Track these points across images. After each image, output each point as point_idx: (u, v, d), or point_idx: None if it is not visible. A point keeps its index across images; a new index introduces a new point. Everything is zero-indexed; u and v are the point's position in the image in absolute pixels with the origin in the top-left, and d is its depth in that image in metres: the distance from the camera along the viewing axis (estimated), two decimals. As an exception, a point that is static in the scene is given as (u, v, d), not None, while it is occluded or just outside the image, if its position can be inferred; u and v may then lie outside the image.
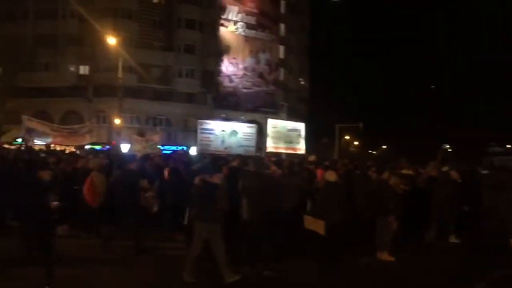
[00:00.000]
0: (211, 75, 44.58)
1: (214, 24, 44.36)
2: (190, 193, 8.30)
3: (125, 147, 32.05)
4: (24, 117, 15.18)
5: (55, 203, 7.15)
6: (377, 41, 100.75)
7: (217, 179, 7.72)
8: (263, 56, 46.86)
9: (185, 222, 9.89)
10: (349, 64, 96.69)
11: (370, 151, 65.55)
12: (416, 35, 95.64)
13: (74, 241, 9.65)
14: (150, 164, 11.61)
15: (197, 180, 7.91)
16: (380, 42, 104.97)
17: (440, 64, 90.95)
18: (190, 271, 7.35)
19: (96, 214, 10.00)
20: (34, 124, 14.83)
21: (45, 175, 7.07)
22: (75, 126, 16.55)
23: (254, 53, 46.31)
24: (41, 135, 14.67)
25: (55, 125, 16.54)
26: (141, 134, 23.01)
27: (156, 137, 15.75)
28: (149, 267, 8.27)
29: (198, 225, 7.54)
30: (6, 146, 19.98)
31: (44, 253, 6.67)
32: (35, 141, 15.90)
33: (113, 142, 33.16)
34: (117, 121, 35.68)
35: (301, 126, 41.59)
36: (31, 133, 14.55)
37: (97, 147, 26.92)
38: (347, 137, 57.94)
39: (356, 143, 63.50)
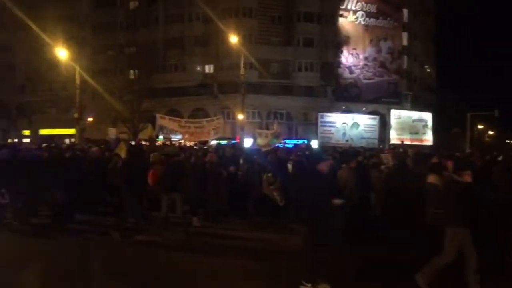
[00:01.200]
0: (331, 67, 44.05)
1: (333, 15, 43.73)
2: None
3: (248, 142, 33.21)
4: (157, 116, 16.38)
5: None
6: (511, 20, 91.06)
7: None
8: (384, 45, 45.06)
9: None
10: (480, 48, 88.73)
11: (508, 141, 59.61)
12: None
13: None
14: (273, 157, 11.77)
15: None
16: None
17: None
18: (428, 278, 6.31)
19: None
20: (165, 121, 15.91)
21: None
22: (203, 120, 17.39)
23: (375, 42, 44.75)
24: (171, 132, 15.70)
25: (183, 120, 17.48)
26: (267, 127, 23.50)
27: (277, 127, 15.94)
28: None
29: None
30: (143, 142, 21.82)
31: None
32: (172, 137, 16.99)
33: (237, 137, 34.37)
34: (240, 116, 37.00)
35: (427, 116, 39.41)
36: (163, 130, 15.66)
37: (223, 142, 28.07)
38: (480, 127, 53.37)
39: (491, 132, 58.25)
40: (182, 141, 17.68)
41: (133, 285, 6.66)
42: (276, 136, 15.13)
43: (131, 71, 43.51)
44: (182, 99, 41.92)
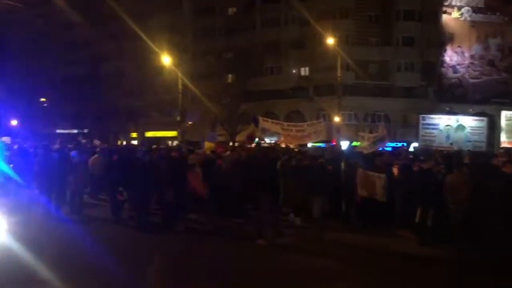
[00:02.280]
0: (432, 67, 41.92)
1: (435, 12, 41.58)
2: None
3: (344, 144, 32.68)
4: (260, 118, 16.65)
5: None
6: None
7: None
8: (493, 41, 41.94)
9: (416, 220, 9.52)
10: None
11: None
12: None
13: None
14: (379, 161, 11.47)
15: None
16: None
17: None
18: None
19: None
20: (268, 124, 16.15)
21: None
22: (304, 124, 17.43)
23: (482, 39, 41.81)
24: (273, 134, 15.90)
25: (285, 123, 17.66)
26: (370, 131, 22.91)
27: (381, 130, 15.47)
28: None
29: None
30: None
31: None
32: (265, 139, 17.29)
33: (333, 140, 33.96)
34: (337, 118, 36.57)
35: (544, 117, 36.00)
36: (265, 132, 15.91)
37: (319, 144, 27.88)
38: None
39: None
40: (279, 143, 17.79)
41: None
42: (380, 139, 14.70)
43: (229, 75, 44.87)
44: (278, 101, 42.32)
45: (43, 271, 6.13)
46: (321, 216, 9.79)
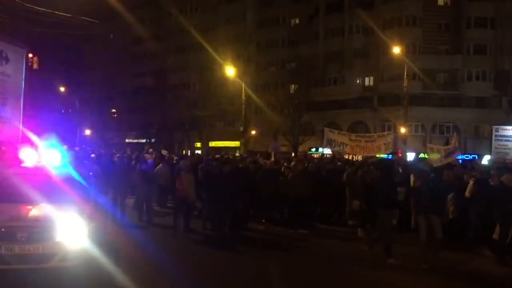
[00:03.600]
0: (507, 76, 39.78)
1: (510, 18, 39.52)
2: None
3: (410, 156, 31.58)
4: (326, 129, 16.56)
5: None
6: None
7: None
8: None
9: (496, 237, 9.02)
10: None
11: None
12: None
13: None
14: (449, 174, 10.95)
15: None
16: None
17: None
18: None
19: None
20: (334, 135, 16.00)
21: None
22: (374, 135, 17.13)
23: (561, 45, 39.22)
24: (339, 145, 15.68)
25: (353, 134, 17.39)
26: (446, 143, 22.08)
27: (454, 142, 14.83)
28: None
29: None
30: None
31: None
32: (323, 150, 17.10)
33: (399, 152, 32.95)
34: (403, 129, 35.51)
35: None
36: (331, 143, 15.75)
37: (384, 155, 27.19)
38: None
39: None
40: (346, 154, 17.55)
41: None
42: (451, 152, 14.08)
43: (292, 86, 44.91)
44: (341, 112, 41.80)
45: (121, 277, 6.36)
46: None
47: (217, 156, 17.16)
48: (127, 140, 53.39)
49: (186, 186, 10.82)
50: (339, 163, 15.55)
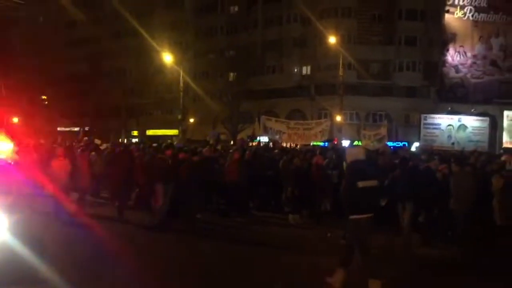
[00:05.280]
0: (435, 67, 41.78)
1: (438, 11, 41.42)
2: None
3: (346, 144, 32.53)
4: (263, 117, 16.61)
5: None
6: None
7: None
8: (496, 41, 41.73)
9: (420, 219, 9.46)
10: None
11: None
12: None
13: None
14: (382, 159, 11.38)
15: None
16: None
17: None
18: None
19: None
20: (271, 123, 16.09)
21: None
22: (312, 122, 17.34)
23: (485, 39, 41.62)
24: (276, 133, 15.79)
25: (292, 122, 17.54)
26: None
27: (383, 130, 15.40)
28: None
29: None
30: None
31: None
32: (260, 138, 17.12)
33: (335, 139, 33.84)
34: (338, 118, 36.46)
35: (546, 118, 35.85)
36: (268, 131, 15.83)
37: (320, 143, 27.84)
38: None
39: None
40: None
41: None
42: (380, 139, 14.62)
43: (231, 74, 44.79)
44: (279, 100, 42.22)
45: (45, 271, 6.06)
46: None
47: (155, 144, 16.78)
48: (59, 129, 51.17)
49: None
50: (276, 150, 15.72)
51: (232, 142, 33.01)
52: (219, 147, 15.04)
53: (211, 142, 20.50)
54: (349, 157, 6.81)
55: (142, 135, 47.61)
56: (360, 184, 6.28)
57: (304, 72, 44.67)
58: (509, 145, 34.74)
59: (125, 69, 51.07)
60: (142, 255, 7.87)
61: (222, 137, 35.98)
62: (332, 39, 35.96)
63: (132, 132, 49.84)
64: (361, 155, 6.80)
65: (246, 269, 7.42)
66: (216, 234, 10.03)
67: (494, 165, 10.59)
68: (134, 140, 42.23)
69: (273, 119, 17.20)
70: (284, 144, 17.42)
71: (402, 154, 12.37)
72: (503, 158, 12.15)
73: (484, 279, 7.28)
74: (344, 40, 39.66)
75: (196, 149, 12.92)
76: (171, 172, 10.42)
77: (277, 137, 16.06)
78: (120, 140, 41.55)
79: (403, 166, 9.67)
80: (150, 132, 48.44)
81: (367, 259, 6.28)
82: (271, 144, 18.53)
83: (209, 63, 46.45)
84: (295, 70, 44.62)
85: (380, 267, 6.36)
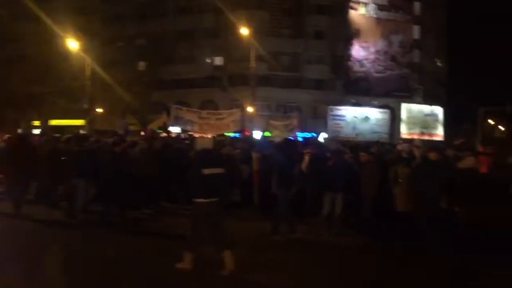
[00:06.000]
0: (341, 61, 43.78)
1: (343, 7, 43.35)
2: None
3: (257, 134, 33.01)
4: (173, 106, 16.27)
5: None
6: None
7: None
8: (396, 38, 44.64)
9: (326, 209, 9.83)
10: (493, 42, 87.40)
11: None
12: None
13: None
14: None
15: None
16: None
17: None
18: None
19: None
20: (182, 112, 15.79)
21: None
22: (224, 112, 17.13)
23: (386, 35, 44.34)
24: (187, 123, 15.54)
25: (204, 111, 17.26)
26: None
27: (294, 121, 15.76)
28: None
29: None
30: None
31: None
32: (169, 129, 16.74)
33: (247, 132, 34.20)
34: (250, 109, 36.88)
35: (438, 110, 38.90)
36: (179, 121, 15.53)
37: (231, 134, 28.04)
38: (491, 122, 52.91)
39: (502, 128, 57.71)
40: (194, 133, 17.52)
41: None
42: (290, 129, 15.00)
43: (141, 63, 43.50)
44: (191, 91, 41.88)
45: None
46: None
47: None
48: None
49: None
50: (187, 141, 15.49)
51: (142, 133, 32.13)
52: (128, 138, 14.51)
53: (120, 132, 19.79)
54: (198, 146, 7.44)
55: (45, 125, 44.78)
56: (206, 171, 6.77)
57: (217, 62, 44.62)
58: (407, 136, 37.30)
59: (24, 56, 47.52)
60: (37, 252, 7.47)
61: (133, 127, 34.89)
62: (244, 31, 36.17)
63: (32, 122, 46.69)
64: (208, 145, 7.49)
65: (143, 261, 7.32)
66: (122, 227, 9.75)
67: (391, 155, 11.26)
68: (37, 131, 39.65)
69: (184, 108, 16.89)
70: (197, 135, 17.21)
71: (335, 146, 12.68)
72: (399, 147, 12.96)
73: (384, 263, 7.78)
74: (256, 32, 40.07)
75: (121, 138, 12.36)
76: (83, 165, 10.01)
77: (188, 127, 15.83)
78: (19, 131, 38.79)
79: (338, 158, 10.03)
80: (53, 122, 45.73)
81: (219, 233, 6.87)
82: (182, 134, 18.32)
83: (118, 51, 44.67)
84: (208, 60, 44.42)
85: (230, 238, 6.97)
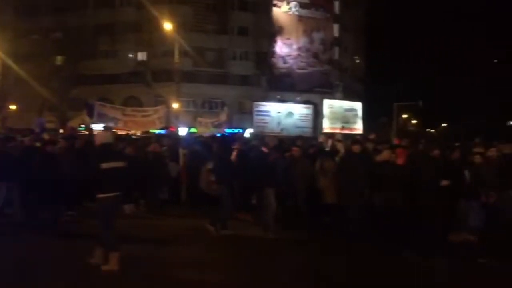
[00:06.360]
0: (265, 57, 44.44)
1: (267, 4, 43.99)
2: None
3: (183, 131, 32.75)
4: (96, 103, 15.72)
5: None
6: (436, 16, 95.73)
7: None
8: (317, 36, 46.05)
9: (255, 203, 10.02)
10: (408, 41, 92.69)
11: (428, 129, 63.29)
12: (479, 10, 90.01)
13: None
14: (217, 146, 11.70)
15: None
16: (439, 18, 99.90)
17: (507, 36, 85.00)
18: None
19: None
20: (106, 109, 15.31)
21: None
22: (149, 109, 16.86)
23: (308, 33, 45.61)
24: (111, 120, 15.09)
25: (128, 108, 16.84)
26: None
27: (223, 116, 15.83)
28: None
29: None
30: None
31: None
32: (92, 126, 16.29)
33: (172, 128, 33.75)
34: (175, 105, 36.41)
35: (358, 106, 40.75)
36: (102, 118, 15.04)
37: (157, 131, 27.57)
38: (405, 116, 56.25)
39: (414, 121, 61.61)
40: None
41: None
42: (217, 125, 15.06)
43: (58, 57, 41.42)
44: (113, 86, 40.59)
45: None
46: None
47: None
48: None
49: None
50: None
51: (61, 131, 30.68)
52: (45, 136, 13.80)
53: (36, 130, 18.77)
54: (97, 140, 7.21)
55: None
56: (104, 165, 6.62)
57: (140, 58, 43.55)
58: (329, 130, 38.70)
59: None
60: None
61: (50, 125, 33.21)
62: (167, 26, 35.56)
63: None
64: (108, 139, 7.25)
65: (66, 264, 7.07)
66: (43, 229, 9.30)
67: (313, 149, 11.64)
68: None
69: (108, 105, 16.43)
70: (120, 132, 16.79)
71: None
72: (320, 139, 13.45)
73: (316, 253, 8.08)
74: (180, 27, 39.55)
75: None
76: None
77: (112, 124, 15.38)
78: None
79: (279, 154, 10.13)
80: (-40, 121, 42.27)
81: (109, 233, 6.71)
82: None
83: (33, 44, 42.16)
84: (130, 55, 43.24)
85: (117, 240, 6.79)
